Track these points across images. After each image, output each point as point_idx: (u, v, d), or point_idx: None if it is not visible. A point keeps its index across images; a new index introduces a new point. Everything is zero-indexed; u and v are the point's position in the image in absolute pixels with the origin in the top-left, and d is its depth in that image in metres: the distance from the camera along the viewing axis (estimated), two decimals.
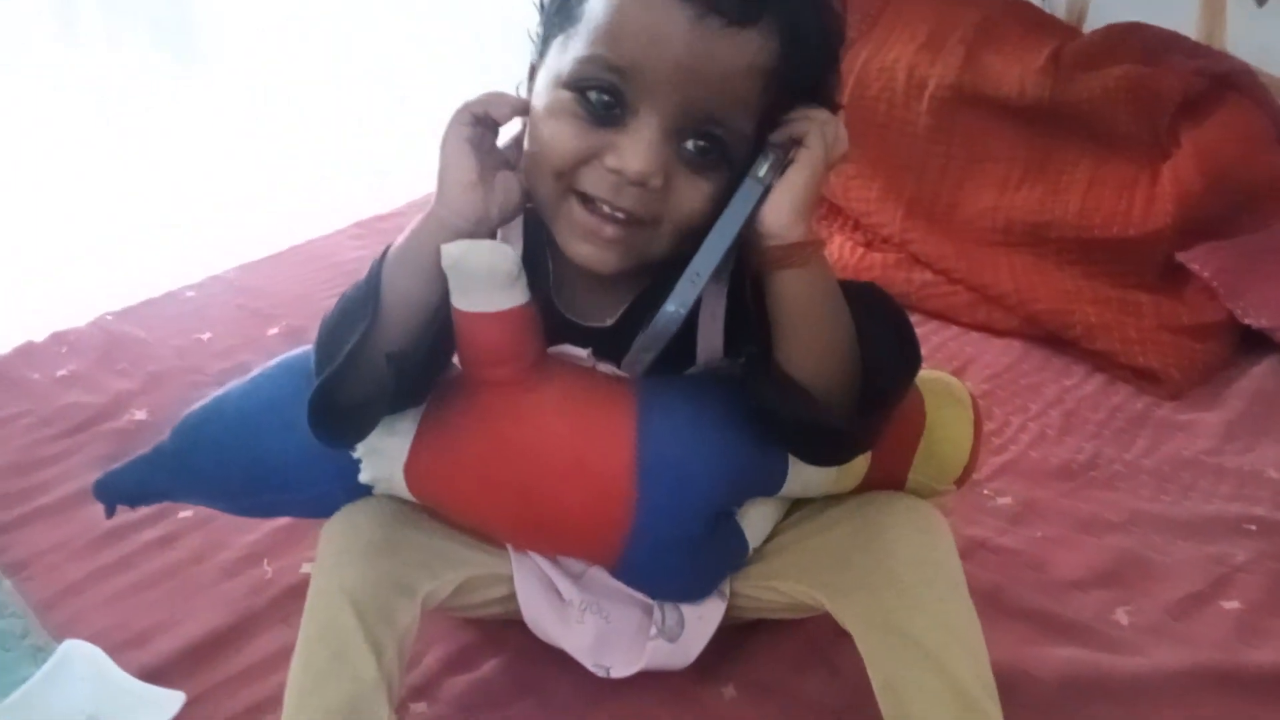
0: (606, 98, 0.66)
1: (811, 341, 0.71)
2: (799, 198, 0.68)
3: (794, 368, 0.71)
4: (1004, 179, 1.63)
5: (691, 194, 0.68)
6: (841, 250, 1.68)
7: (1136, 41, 1.62)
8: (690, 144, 0.67)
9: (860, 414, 0.72)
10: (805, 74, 0.69)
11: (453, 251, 0.68)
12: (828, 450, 0.76)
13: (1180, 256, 1.50)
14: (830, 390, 0.71)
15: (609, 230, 0.68)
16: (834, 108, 0.72)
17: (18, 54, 2.74)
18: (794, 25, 0.67)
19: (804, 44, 0.68)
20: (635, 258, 0.70)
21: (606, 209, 0.68)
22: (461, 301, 0.71)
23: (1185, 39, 1.64)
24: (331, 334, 0.72)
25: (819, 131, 0.68)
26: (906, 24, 1.76)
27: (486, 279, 0.69)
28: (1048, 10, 1.80)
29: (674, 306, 0.68)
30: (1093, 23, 1.75)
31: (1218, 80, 1.56)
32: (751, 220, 0.68)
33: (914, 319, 1.54)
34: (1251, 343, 1.46)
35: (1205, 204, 1.49)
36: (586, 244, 0.69)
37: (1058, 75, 1.60)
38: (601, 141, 0.67)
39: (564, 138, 0.68)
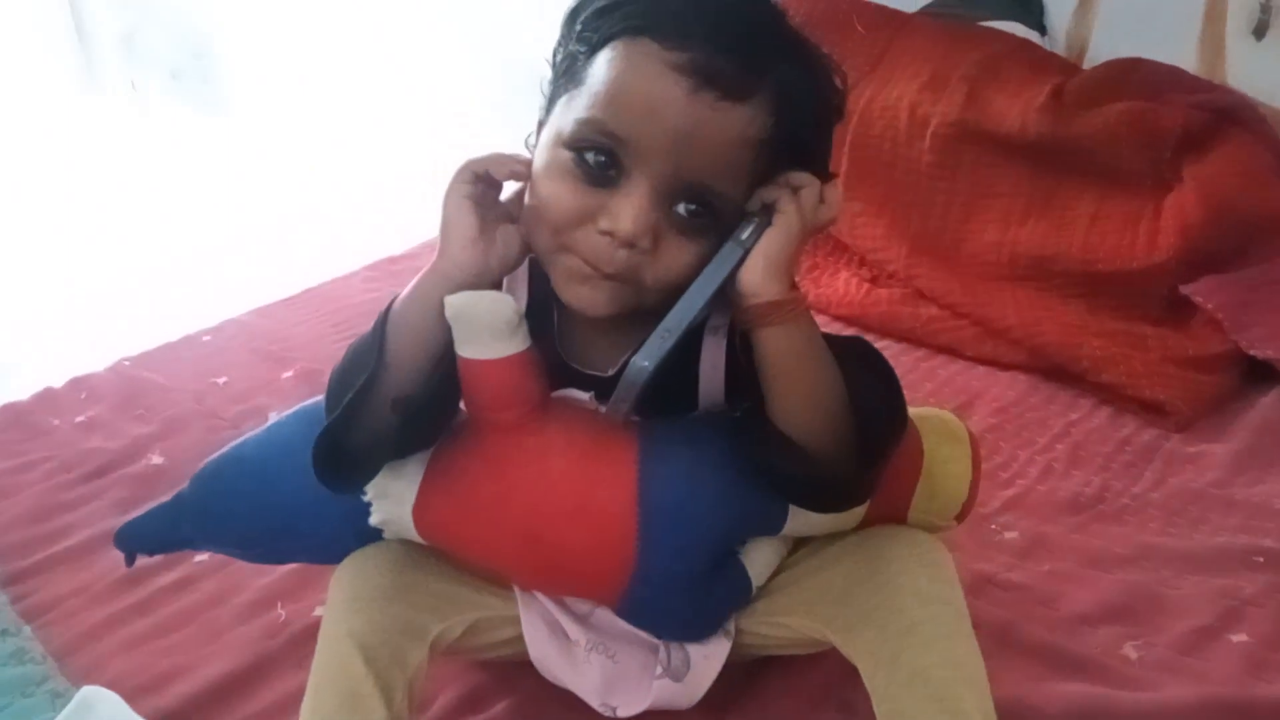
0: (602, 159, 0.69)
1: (800, 397, 0.72)
2: (774, 259, 0.70)
3: (785, 423, 0.73)
4: (1008, 214, 1.64)
5: (679, 255, 0.71)
6: (848, 286, 1.70)
7: (1137, 77, 1.64)
8: (681, 208, 0.70)
9: (856, 466, 0.73)
10: (797, 143, 0.71)
11: (455, 303, 0.71)
12: (824, 501, 0.78)
13: (1184, 289, 1.51)
14: (823, 444, 0.73)
15: (602, 278, 0.70)
16: (825, 174, 0.73)
17: (42, 104, 2.81)
18: (788, 99, 0.69)
19: (797, 116, 0.70)
20: (625, 305, 0.72)
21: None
22: (465, 350, 0.73)
23: (1185, 73, 1.65)
24: (340, 382, 0.74)
25: (793, 197, 0.70)
26: (909, 63, 1.79)
27: (488, 328, 0.72)
28: (1048, 48, 1.82)
29: (645, 361, 0.70)
30: (1093, 59, 1.76)
31: (1219, 114, 1.57)
32: (733, 282, 0.70)
33: (920, 353, 1.59)
34: (1258, 374, 1.46)
35: (1208, 237, 1.49)
36: (582, 287, 0.72)
37: (1059, 112, 1.62)
38: (595, 202, 0.69)
39: (560, 197, 0.70)
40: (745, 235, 0.70)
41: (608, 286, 0.71)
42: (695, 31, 0.67)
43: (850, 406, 0.74)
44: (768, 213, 0.71)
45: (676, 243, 0.70)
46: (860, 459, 0.73)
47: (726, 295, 0.71)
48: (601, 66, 0.69)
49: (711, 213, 0.70)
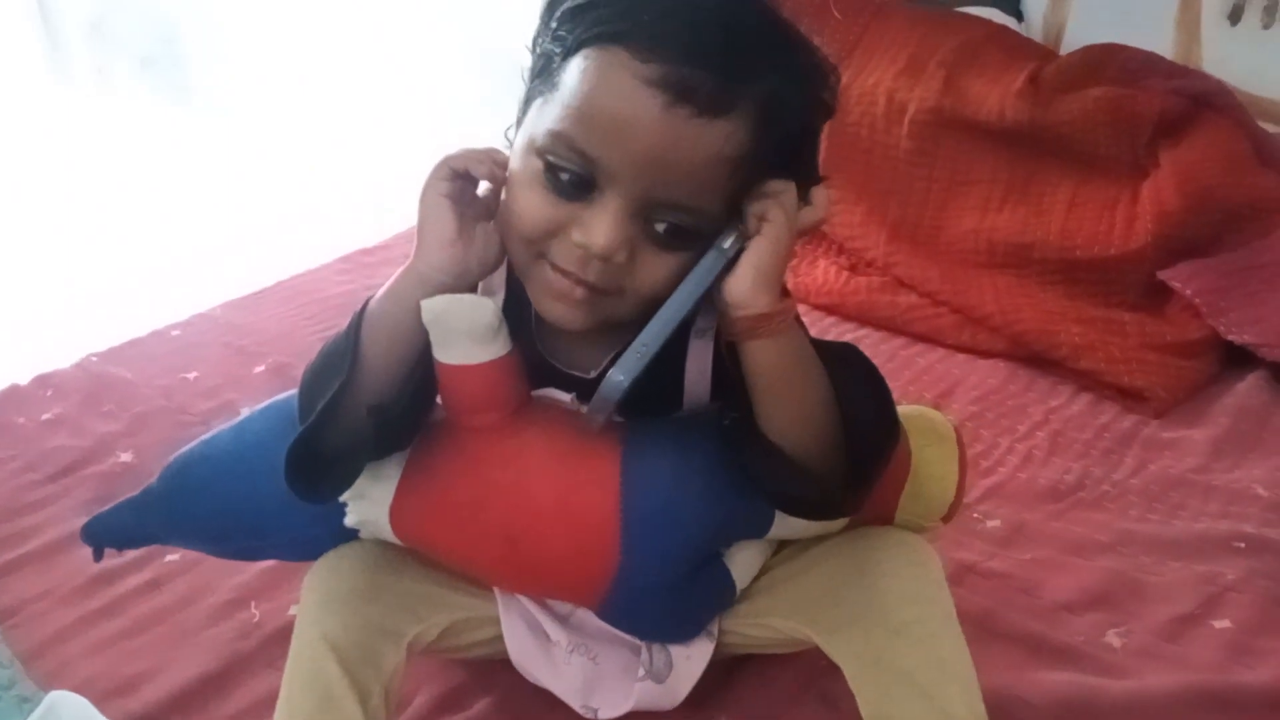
0: (574, 175, 0.66)
1: (789, 408, 0.71)
2: (761, 269, 0.67)
3: (774, 433, 0.71)
4: (986, 201, 1.64)
5: (656, 268, 0.68)
6: (827, 274, 1.69)
7: (1114, 63, 1.64)
8: (657, 224, 0.67)
9: (845, 478, 0.71)
10: (779, 153, 0.68)
11: (433, 307, 0.68)
12: (813, 511, 0.76)
13: (1162, 274, 1.51)
14: (813, 455, 0.71)
15: (579, 293, 0.68)
16: (812, 177, 0.71)
17: (7, 93, 2.76)
18: (772, 109, 0.65)
19: (778, 126, 0.66)
20: (602, 318, 0.70)
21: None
22: (443, 354, 0.71)
23: (1162, 59, 1.65)
24: (312, 385, 0.72)
25: (779, 205, 0.67)
26: (885, 49, 1.78)
27: (467, 333, 0.70)
28: (1025, 33, 1.82)
29: (620, 376, 0.68)
30: (1070, 45, 1.77)
31: (1195, 100, 1.58)
32: (718, 289, 0.68)
33: (899, 342, 1.58)
34: (1236, 359, 1.47)
35: (1185, 223, 1.50)
36: (558, 304, 0.69)
37: (1037, 97, 1.62)
38: (568, 214, 0.66)
39: (533, 208, 0.67)
40: (727, 244, 0.68)
41: (585, 303, 0.68)
42: (671, 41, 0.62)
43: (841, 417, 0.71)
44: (750, 222, 0.68)
45: (654, 256, 0.68)
46: (851, 470, 0.72)
47: (713, 299, 0.69)
48: (574, 75, 0.65)
49: (688, 226, 0.67)
